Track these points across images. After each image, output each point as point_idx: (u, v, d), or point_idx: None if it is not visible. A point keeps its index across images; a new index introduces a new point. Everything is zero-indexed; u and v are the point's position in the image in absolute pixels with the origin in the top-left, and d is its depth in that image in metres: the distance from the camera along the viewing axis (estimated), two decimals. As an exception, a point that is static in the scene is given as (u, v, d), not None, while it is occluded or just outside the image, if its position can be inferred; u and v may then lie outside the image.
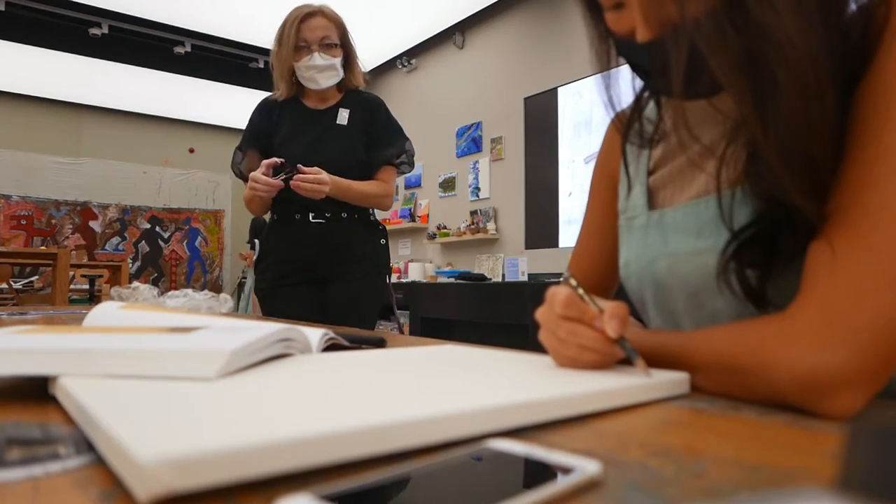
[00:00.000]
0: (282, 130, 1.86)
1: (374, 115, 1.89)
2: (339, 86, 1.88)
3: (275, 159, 1.67)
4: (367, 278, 1.83)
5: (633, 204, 0.71)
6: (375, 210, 1.93)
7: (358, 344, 0.71)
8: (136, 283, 0.98)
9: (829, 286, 0.44)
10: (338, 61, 1.81)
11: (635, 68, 0.61)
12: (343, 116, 1.86)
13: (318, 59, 1.77)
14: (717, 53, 0.48)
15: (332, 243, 1.78)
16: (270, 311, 1.83)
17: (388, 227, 2.11)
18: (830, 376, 0.41)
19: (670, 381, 0.46)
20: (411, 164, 1.93)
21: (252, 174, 1.66)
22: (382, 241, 1.91)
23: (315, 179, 1.65)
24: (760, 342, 0.46)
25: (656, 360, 0.51)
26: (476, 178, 5.71)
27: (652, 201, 0.69)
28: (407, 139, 1.92)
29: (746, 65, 0.48)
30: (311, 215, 1.79)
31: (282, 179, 1.64)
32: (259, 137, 1.88)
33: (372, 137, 1.86)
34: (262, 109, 1.90)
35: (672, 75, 0.53)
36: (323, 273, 1.80)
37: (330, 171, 1.73)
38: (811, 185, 0.48)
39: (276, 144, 1.84)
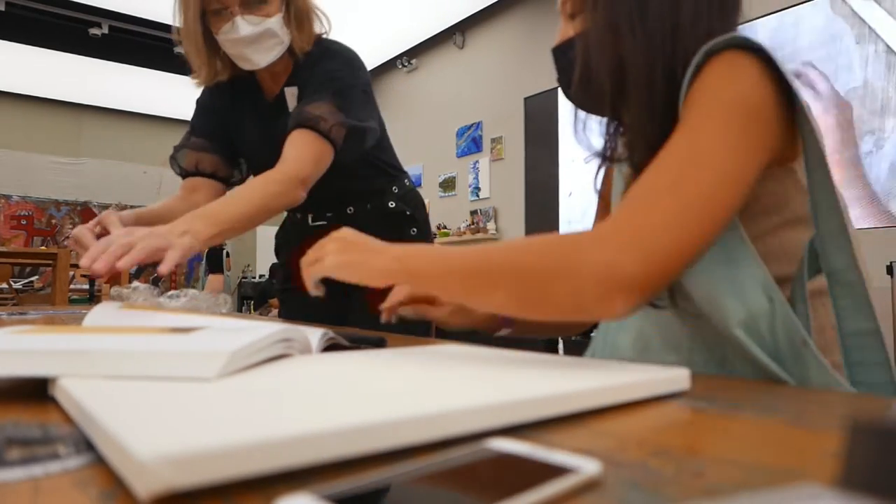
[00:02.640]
0: (244, 137, 1.32)
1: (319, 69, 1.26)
2: (291, 51, 1.26)
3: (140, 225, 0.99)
4: None
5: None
6: (405, 187, 1.43)
7: (358, 344, 0.71)
8: (136, 283, 0.98)
9: (629, 199, 0.54)
10: (275, 21, 1.17)
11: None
12: (292, 99, 1.27)
13: (243, 25, 1.15)
14: (596, 60, 0.64)
15: None
16: (287, 318, 1.44)
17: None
18: (623, 274, 0.49)
19: (670, 377, 0.46)
20: (360, 138, 1.21)
21: (75, 232, 0.98)
22: (413, 230, 1.40)
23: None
24: (573, 246, 0.52)
25: (457, 280, 0.56)
26: (476, 178, 5.71)
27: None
28: (350, 98, 1.21)
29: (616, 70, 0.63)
30: (310, 217, 1.41)
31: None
32: (210, 129, 1.33)
33: None
34: (213, 90, 1.33)
35: (560, 77, 0.70)
36: (338, 283, 1.34)
37: (319, 192, 1.20)
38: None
39: (248, 159, 1.32)
